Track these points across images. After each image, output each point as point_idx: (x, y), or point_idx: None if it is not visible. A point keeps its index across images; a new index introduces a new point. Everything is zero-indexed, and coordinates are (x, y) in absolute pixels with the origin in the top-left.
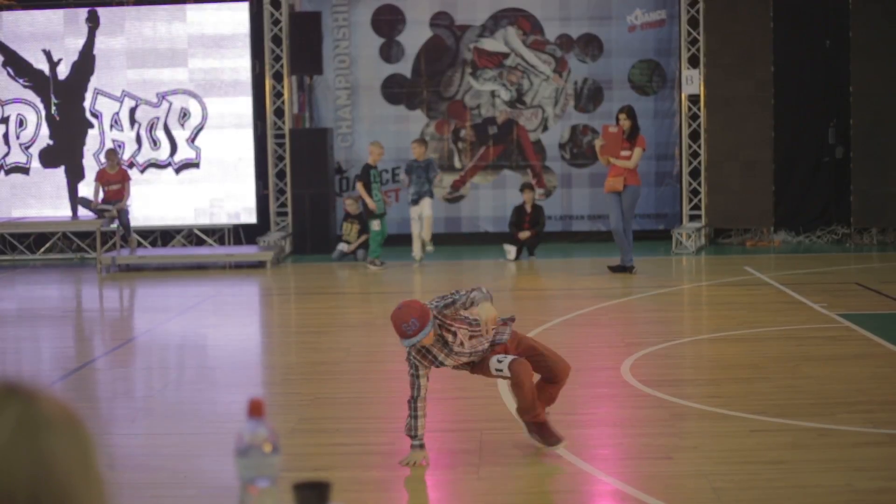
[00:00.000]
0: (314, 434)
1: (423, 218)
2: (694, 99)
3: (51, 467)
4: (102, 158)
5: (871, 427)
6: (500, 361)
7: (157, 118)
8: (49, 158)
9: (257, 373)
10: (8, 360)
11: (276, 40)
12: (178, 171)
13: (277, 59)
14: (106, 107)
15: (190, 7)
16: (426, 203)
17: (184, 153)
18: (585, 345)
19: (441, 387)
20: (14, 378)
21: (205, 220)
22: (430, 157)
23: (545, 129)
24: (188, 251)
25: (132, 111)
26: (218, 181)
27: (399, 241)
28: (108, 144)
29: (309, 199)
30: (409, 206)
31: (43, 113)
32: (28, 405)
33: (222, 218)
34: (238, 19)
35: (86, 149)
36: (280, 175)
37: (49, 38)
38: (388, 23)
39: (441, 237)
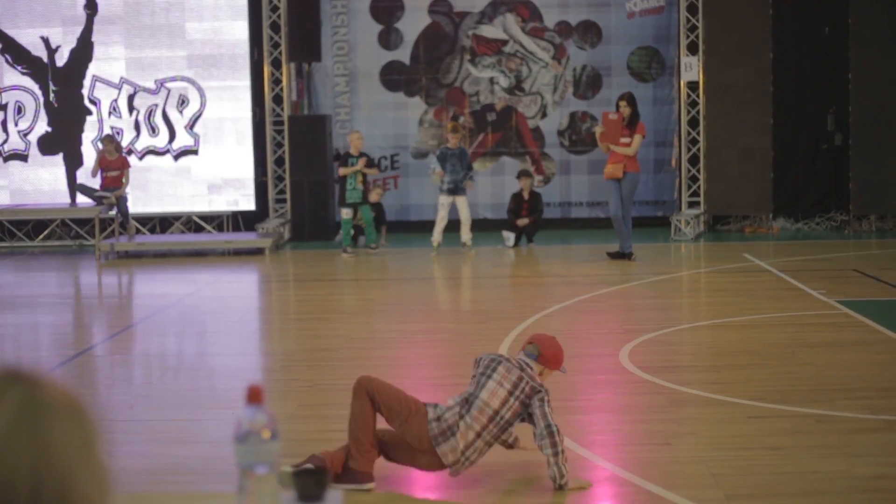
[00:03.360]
0: (313, 420)
1: (462, 220)
2: (693, 86)
3: (52, 454)
4: (99, 144)
5: (870, 413)
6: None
7: (156, 105)
8: (47, 145)
9: (256, 359)
10: (7, 347)
11: (275, 27)
12: (176, 157)
13: (276, 45)
14: (104, 94)
15: None
16: (462, 203)
17: (182, 140)
18: (584, 331)
19: (440, 373)
20: (15, 364)
21: (203, 207)
22: (462, 145)
23: (544, 115)
24: (187, 238)
25: (130, 98)
26: (216, 168)
27: (398, 228)
28: (107, 131)
29: (307, 185)
30: (440, 193)
31: (41, 100)
32: (30, 391)
33: (221, 205)
34: (236, 7)
35: (84, 136)
36: (279, 162)
37: (47, 24)
38: (386, 9)
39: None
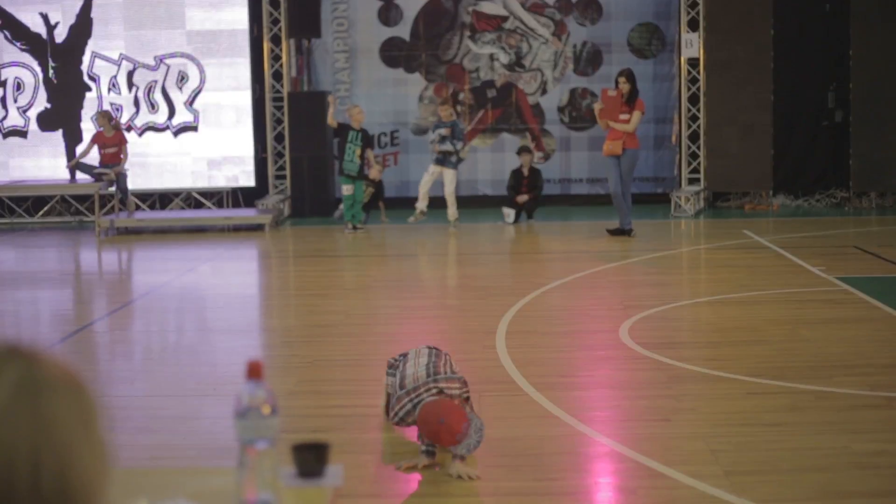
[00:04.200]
0: (313, 396)
1: (445, 195)
2: (693, 62)
3: (52, 431)
4: (97, 121)
5: (869, 390)
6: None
7: (155, 81)
8: (47, 122)
9: (256, 335)
10: (7, 323)
11: (275, 3)
12: (176, 134)
13: (276, 21)
14: (104, 70)
15: None
16: (449, 177)
17: (182, 116)
18: (584, 307)
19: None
20: (14, 340)
21: (203, 183)
22: (455, 119)
23: (544, 92)
24: (187, 214)
25: (130, 74)
26: (216, 144)
27: (398, 205)
28: (107, 108)
29: (307, 162)
30: (432, 163)
31: (40, 76)
32: (29, 367)
33: (221, 181)
34: None
35: (83, 112)
36: (278, 138)
37: (46, 1)
38: None
39: (440, 200)
